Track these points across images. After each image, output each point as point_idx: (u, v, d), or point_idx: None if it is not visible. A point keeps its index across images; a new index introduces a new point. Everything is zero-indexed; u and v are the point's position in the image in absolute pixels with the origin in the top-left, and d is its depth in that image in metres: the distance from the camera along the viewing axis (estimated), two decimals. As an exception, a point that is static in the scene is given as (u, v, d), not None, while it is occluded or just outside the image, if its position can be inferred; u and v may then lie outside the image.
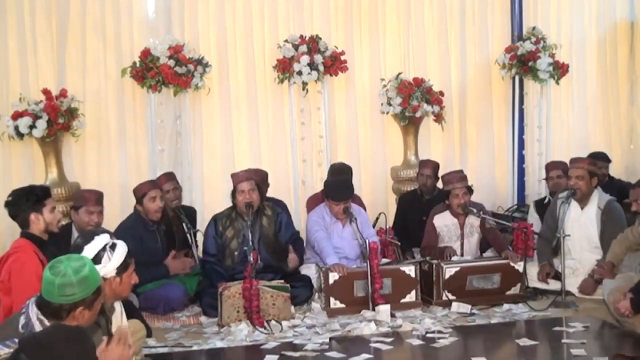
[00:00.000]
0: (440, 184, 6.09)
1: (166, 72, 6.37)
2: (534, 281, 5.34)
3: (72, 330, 2.28)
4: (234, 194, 5.34)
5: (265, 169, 6.24)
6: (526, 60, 7.35)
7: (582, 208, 5.37)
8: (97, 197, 5.01)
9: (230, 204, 5.45)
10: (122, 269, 2.99)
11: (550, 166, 6.31)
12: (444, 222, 5.63)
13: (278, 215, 5.44)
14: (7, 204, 3.92)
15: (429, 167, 6.41)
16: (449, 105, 7.35)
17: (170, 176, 5.98)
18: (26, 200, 3.84)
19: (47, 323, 2.47)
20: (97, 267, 2.83)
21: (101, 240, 2.98)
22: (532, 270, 5.35)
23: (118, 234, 3.14)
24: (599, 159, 6.24)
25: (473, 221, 5.58)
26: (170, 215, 5.75)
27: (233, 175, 5.41)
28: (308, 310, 5.05)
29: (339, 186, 5.55)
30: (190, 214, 6.07)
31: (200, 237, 5.72)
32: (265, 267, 5.20)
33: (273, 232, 5.38)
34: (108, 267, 2.94)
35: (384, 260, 5.40)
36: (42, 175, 6.38)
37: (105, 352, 2.49)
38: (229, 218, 5.35)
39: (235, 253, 5.27)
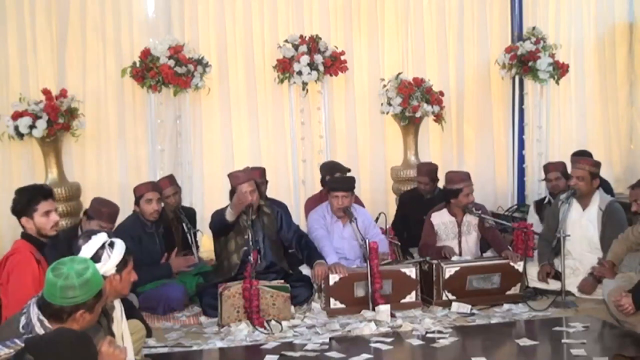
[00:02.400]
0: (440, 183, 6.08)
1: (166, 72, 6.37)
2: (534, 281, 5.34)
3: (77, 335, 2.29)
4: (232, 194, 5.31)
5: (264, 168, 6.25)
6: (526, 60, 7.36)
7: (583, 209, 5.37)
8: (109, 214, 4.93)
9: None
10: (121, 266, 2.99)
11: (549, 167, 6.27)
12: (441, 219, 5.62)
13: (277, 213, 5.42)
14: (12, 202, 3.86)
15: (424, 175, 6.33)
16: (448, 106, 7.37)
17: (171, 180, 5.96)
18: (18, 203, 3.77)
19: (47, 324, 2.47)
20: (97, 265, 2.84)
21: (99, 238, 2.98)
22: (532, 270, 5.34)
23: (116, 235, 3.13)
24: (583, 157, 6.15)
25: (471, 219, 5.57)
26: (170, 217, 5.75)
27: (232, 177, 5.32)
28: (308, 310, 5.05)
29: (341, 178, 5.71)
30: (190, 214, 6.07)
31: (200, 238, 5.72)
32: (269, 266, 5.18)
33: (275, 231, 5.37)
34: (108, 265, 2.94)
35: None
36: (42, 175, 6.39)
37: (101, 355, 2.50)
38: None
39: (235, 254, 5.26)
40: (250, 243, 4.89)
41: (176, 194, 5.92)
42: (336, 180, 5.69)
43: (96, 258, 2.89)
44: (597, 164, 5.39)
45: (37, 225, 3.74)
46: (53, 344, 2.19)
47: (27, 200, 3.76)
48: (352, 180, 5.63)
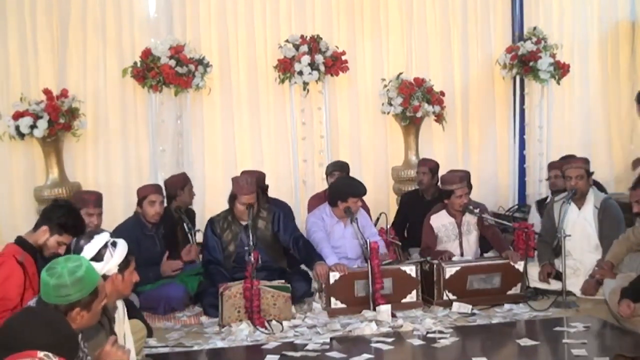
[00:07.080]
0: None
1: (167, 72, 6.37)
2: (534, 281, 5.34)
3: (47, 316, 2.29)
4: (232, 199, 5.30)
5: (265, 170, 6.26)
6: (527, 60, 7.34)
7: (579, 208, 5.37)
8: (96, 199, 4.98)
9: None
10: (123, 266, 3.01)
11: (551, 166, 6.27)
12: (441, 221, 5.61)
13: (274, 215, 5.42)
14: (49, 205, 3.88)
15: (426, 165, 6.38)
16: (450, 105, 7.35)
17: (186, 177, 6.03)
18: (56, 217, 3.75)
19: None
20: (100, 264, 2.86)
21: (102, 238, 3.00)
22: (533, 270, 5.34)
23: (115, 236, 3.14)
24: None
25: (470, 219, 5.57)
26: (176, 218, 5.74)
27: (236, 184, 5.27)
28: (309, 310, 5.05)
29: (355, 181, 5.65)
30: (190, 214, 6.07)
31: (200, 237, 5.72)
32: (263, 268, 5.15)
33: (271, 234, 5.37)
34: (110, 264, 2.95)
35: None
36: (43, 176, 6.39)
37: (104, 354, 2.50)
38: (225, 221, 5.33)
39: (232, 257, 5.27)
40: (251, 243, 4.90)
41: (191, 189, 5.96)
42: (354, 185, 5.53)
43: (99, 257, 2.91)
44: (589, 162, 5.44)
45: (48, 245, 3.74)
46: (14, 327, 2.20)
47: (74, 223, 3.76)
48: (363, 187, 5.57)
